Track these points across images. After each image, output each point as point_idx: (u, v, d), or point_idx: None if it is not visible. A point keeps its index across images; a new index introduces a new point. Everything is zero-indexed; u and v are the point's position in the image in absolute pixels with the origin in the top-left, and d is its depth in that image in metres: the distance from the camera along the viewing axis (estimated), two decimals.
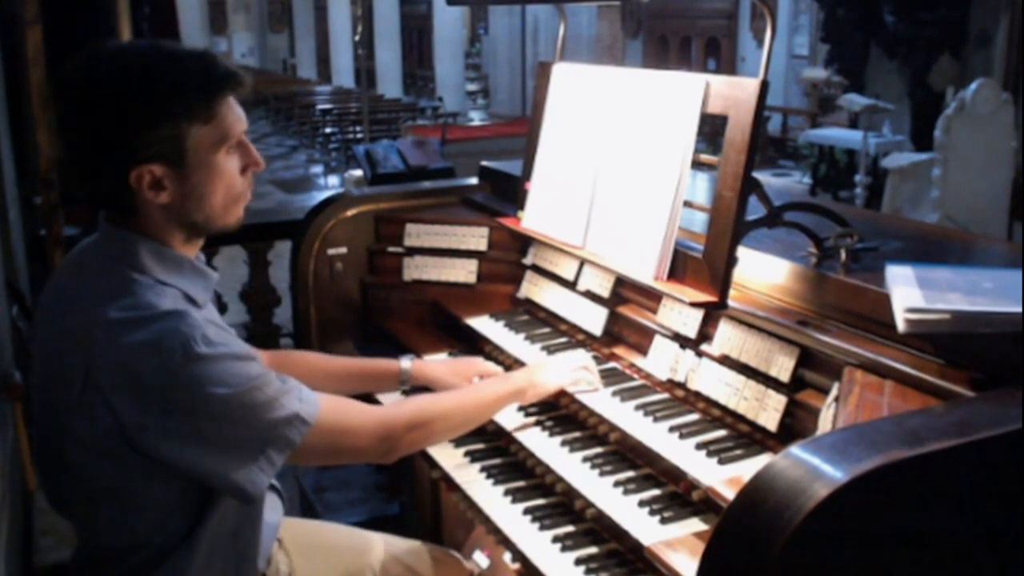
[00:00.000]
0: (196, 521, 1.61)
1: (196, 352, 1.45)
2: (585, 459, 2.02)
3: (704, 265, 1.92)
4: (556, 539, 1.87)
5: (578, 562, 1.81)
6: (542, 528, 1.91)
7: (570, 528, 1.91)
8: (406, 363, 2.24)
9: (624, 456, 2.03)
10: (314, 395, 1.65)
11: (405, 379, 2.25)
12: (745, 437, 1.90)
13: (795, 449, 1.17)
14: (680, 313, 2.11)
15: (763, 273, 1.99)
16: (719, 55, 16.78)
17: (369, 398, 2.33)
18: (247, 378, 1.51)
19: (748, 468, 1.76)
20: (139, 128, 1.47)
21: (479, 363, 2.34)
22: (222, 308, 4.35)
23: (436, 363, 2.34)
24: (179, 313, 1.49)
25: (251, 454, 1.53)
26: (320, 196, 3.16)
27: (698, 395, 2.02)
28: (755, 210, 1.91)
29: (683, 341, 2.10)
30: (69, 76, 1.52)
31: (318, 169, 14.81)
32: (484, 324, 2.63)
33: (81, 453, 1.53)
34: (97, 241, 1.63)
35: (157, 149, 1.49)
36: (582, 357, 2.20)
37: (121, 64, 1.50)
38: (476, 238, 2.85)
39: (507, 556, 1.93)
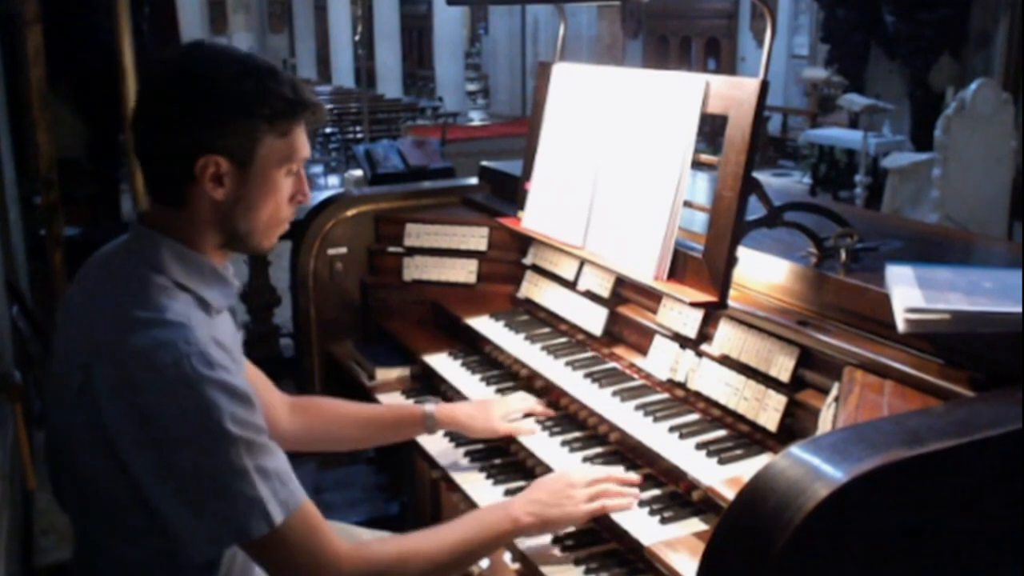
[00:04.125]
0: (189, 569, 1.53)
1: (185, 372, 1.40)
2: (585, 459, 2.02)
3: (704, 265, 1.92)
4: (556, 539, 1.87)
5: (578, 562, 1.81)
6: None
7: (570, 528, 1.91)
8: (430, 407, 2.16)
9: (624, 456, 2.03)
10: (299, 491, 1.49)
11: (431, 425, 2.16)
12: (745, 437, 1.90)
13: (795, 449, 1.17)
14: (680, 313, 2.11)
15: (763, 273, 1.99)
16: (719, 55, 16.78)
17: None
18: (229, 420, 1.40)
19: (748, 468, 1.76)
20: (221, 117, 1.49)
21: (508, 403, 2.22)
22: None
23: (462, 405, 2.24)
24: (181, 326, 1.44)
25: (203, 515, 1.42)
26: (320, 196, 3.15)
27: (698, 395, 2.02)
28: (755, 210, 1.91)
29: (683, 341, 2.10)
30: (165, 58, 1.55)
31: (318, 169, 14.79)
32: (484, 324, 2.63)
33: (81, 452, 1.51)
34: (125, 240, 1.62)
35: (231, 142, 1.50)
36: (594, 471, 1.89)
37: (220, 56, 1.53)
38: (476, 238, 2.85)
39: (507, 556, 1.93)
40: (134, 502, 1.47)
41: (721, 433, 1.92)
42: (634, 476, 1.88)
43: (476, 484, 2.11)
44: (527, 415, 2.22)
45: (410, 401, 2.51)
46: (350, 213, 2.94)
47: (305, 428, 2.06)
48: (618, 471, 1.90)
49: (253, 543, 1.46)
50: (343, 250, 2.93)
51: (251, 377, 1.76)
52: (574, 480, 1.82)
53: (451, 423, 2.18)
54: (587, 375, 2.24)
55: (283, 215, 1.62)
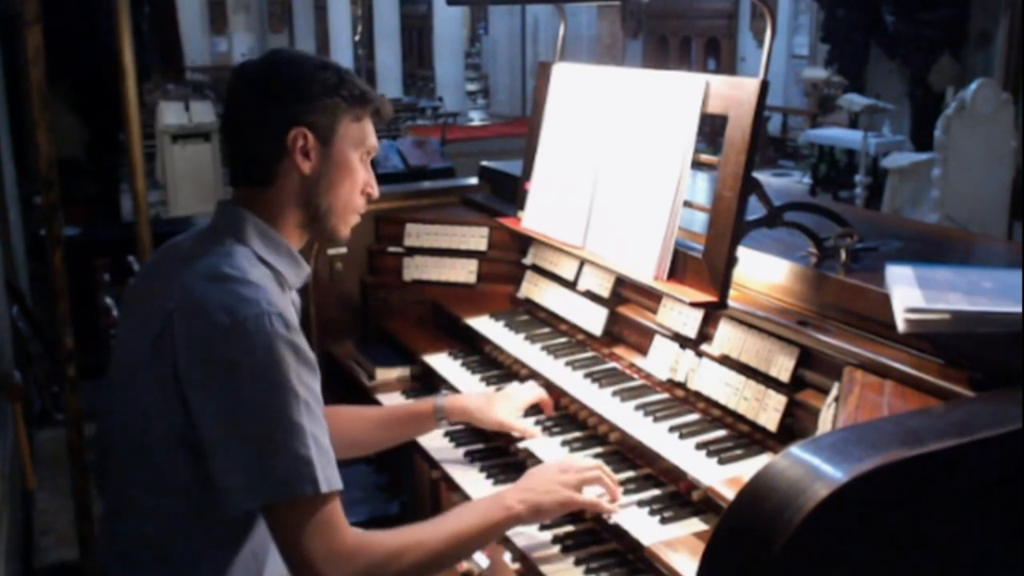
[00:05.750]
0: (216, 535, 1.62)
1: (264, 326, 1.50)
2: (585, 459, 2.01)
3: (704, 265, 1.92)
4: (556, 539, 1.87)
5: (578, 562, 1.81)
6: (542, 528, 1.91)
7: (570, 528, 1.91)
8: (440, 400, 2.20)
9: (624, 456, 2.03)
10: (338, 477, 1.57)
11: (441, 416, 2.20)
12: (745, 437, 1.90)
13: (795, 449, 1.17)
14: (680, 313, 2.11)
15: (763, 273, 1.99)
16: (719, 55, 16.77)
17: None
18: (296, 378, 1.51)
19: (748, 468, 1.76)
20: (308, 94, 1.67)
21: (517, 396, 2.22)
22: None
23: (473, 397, 2.26)
24: (264, 288, 1.56)
25: (254, 464, 1.50)
26: None
27: (698, 395, 2.02)
28: (755, 210, 1.91)
29: (683, 341, 2.10)
30: (251, 61, 1.75)
31: None
32: (484, 324, 2.63)
33: (145, 399, 1.57)
34: (208, 223, 1.74)
35: (315, 118, 1.67)
36: (587, 462, 1.89)
37: (303, 55, 1.75)
38: (476, 238, 2.85)
39: (507, 556, 1.93)
40: (184, 453, 1.55)
41: (721, 433, 1.92)
42: (618, 488, 1.87)
43: (476, 484, 2.11)
44: (535, 405, 2.22)
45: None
46: None
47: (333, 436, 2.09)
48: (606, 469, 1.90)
49: (286, 506, 1.51)
50: (343, 250, 2.93)
51: None
52: (564, 467, 1.86)
53: (461, 413, 2.20)
54: (587, 375, 2.24)
55: (357, 202, 1.77)
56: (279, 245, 1.69)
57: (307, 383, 1.54)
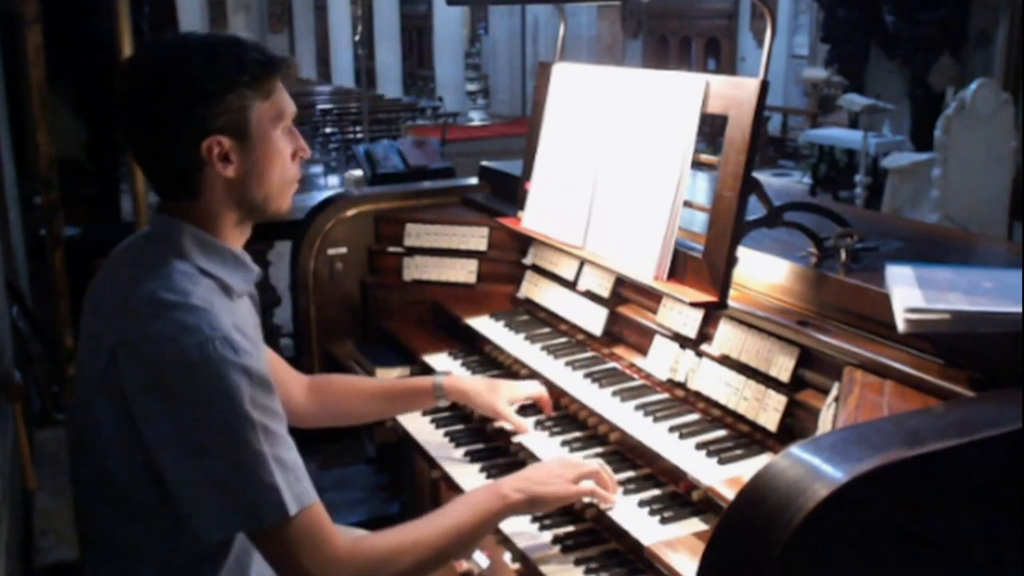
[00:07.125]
0: (195, 554, 1.57)
1: (209, 354, 1.43)
2: (585, 459, 2.01)
3: (704, 265, 1.92)
4: (556, 539, 1.87)
5: (578, 562, 1.80)
6: (542, 528, 1.91)
7: (570, 528, 1.91)
8: (439, 378, 2.22)
9: (624, 456, 2.03)
10: (311, 489, 1.52)
11: (439, 394, 2.21)
12: (745, 437, 1.90)
13: (795, 449, 1.17)
14: (680, 313, 2.11)
15: (763, 273, 1.99)
16: (719, 55, 16.78)
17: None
18: (249, 403, 1.44)
19: (748, 468, 1.76)
20: (209, 99, 1.52)
21: (517, 387, 2.24)
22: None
23: (471, 380, 2.28)
24: (206, 311, 1.47)
25: (218, 498, 1.45)
26: (320, 196, 3.16)
27: (698, 395, 2.02)
28: (755, 210, 1.91)
29: (683, 341, 2.10)
30: (134, 64, 1.61)
31: (318, 169, 14.79)
32: (484, 324, 2.63)
33: (103, 434, 1.53)
34: (146, 231, 1.66)
35: (225, 119, 1.54)
36: (588, 464, 1.89)
37: (186, 45, 1.57)
38: (476, 238, 2.85)
39: (507, 556, 1.93)
40: (149, 486, 1.51)
41: (721, 433, 1.92)
42: (616, 488, 1.87)
43: (476, 484, 2.10)
44: (534, 403, 2.23)
45: None
46: (350, 213, 2.94)
47: (320, 406, 2.11)
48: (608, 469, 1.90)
49: (262, 531, 1.48)
50: (343, 250, 2.93)
51: (269, 360, 1.78)
52: (565, 462, 1.87)
53: (458, 394, 2.21)
54: (587, 375, 2.24)
55: (291, 174, 1.66)
56: (222, 252, 1.60)
57: (262, 404, 1.47)
